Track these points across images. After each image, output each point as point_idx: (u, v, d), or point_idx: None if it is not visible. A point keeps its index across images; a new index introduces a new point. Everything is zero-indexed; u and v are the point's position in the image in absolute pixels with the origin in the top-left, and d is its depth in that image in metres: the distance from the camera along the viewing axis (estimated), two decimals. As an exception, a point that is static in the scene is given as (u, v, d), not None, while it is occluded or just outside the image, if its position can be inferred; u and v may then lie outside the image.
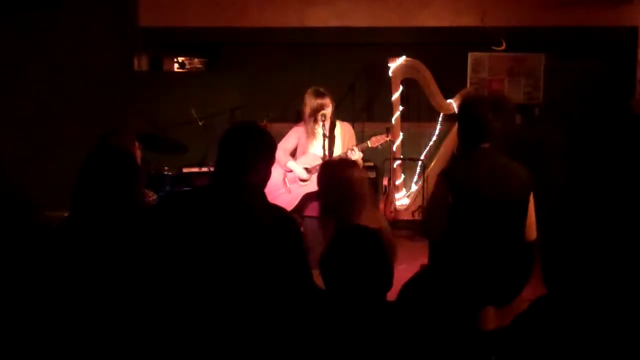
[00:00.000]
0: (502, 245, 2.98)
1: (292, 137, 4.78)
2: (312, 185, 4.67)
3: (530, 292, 3.08)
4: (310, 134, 4.72)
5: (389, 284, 2.25)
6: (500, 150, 3.09)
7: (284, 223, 2.36)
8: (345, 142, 4.76)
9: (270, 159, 2.46)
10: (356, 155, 4.58)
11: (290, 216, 2.43)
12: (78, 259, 2.40)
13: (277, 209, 2.48)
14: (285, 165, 4.70)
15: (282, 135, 4.75)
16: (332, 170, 2.77)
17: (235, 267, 2.24)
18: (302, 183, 4.74)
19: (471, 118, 3.05)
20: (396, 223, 5.82)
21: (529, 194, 3.09)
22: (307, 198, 4.70)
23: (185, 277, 2.26)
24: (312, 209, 4.56)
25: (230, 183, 2.34)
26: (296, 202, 4.68)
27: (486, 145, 3.04)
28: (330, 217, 2.83)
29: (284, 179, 4.74)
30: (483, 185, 2.95)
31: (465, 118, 3.10)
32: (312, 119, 4.62)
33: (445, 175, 3.06)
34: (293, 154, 4.82)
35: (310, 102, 4.60)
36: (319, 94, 4.60)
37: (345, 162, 2.94)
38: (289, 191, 4.72)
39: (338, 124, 4.79)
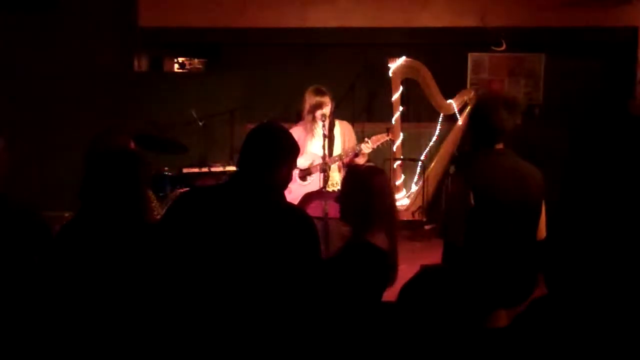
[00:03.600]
0: (518, 246, 2.96)
1: None
2: (312, 185, 4.66)
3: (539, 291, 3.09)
4: (309, 132, 4.70)
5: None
6: (511, 150, 3.08)
7: (304, 223, 2.39)
8: (345, 140, 4.75)
9: (292, 161, 2.49)
10: (368, 149, 4.58)
11: (310, 217, 2.45)
12: (87, 258, 2.40)
13: (297, 209, 2.54)
14: None
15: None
16: (359, 177, 2.73)
17: (255, 264, 2.26)
18: (302, 182, 4.74)
19: (487, 118, 3.02)
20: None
21: (543, 194, 3.08)
22: (308, 198, 4.69)
23: (205, 273, 2.27)
24: (312, 209, 4.54)
25: (253, 182, 2.37)
26: (296, 203, 4.68)
27: (500, 145, 3.02)
28: (347, 223, 2.81)
29: None
30: (504, 187, 2.93)
31: (481, 118, 3.06)
32: (311, 116, 4.61)
33: (466, 176, 3.03)
34: None
35: (310, 99, 4.60)
36: (318, 92, 4.59)
37: (374, 171, 2.89)
38: (290, 191, 4.70)
39: (337, 122, 4.78)
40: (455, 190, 3.11)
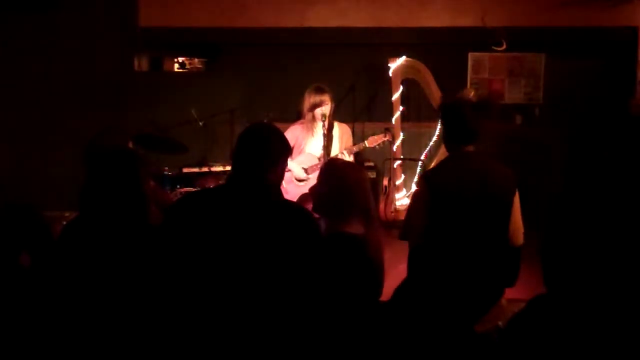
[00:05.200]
0: (482, 249, 2.93)
1: (289, 136, 4.77)
2: (309, 186, 4.67)
3: (518, 293, 3.07)
4: (309, 130, 4.71)
5: (377, 290, 2.30)
6: (489, 152, 3.06)
7: (305, 220, 2.40)
8: (342, 142, 4.76)
9: (286, 158, 2.52)
10: (346, 158, 4.59)
11: (311, 213, 2.45)
12: (89, 258, 2.40)
13: (297, 206, 2.55)
14: None
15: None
16: (335, 170, 2.75)
17: (259, 263, 2.26)
18: (299, 183, 4.74)
19: (452, 120, 3.01)
20: (396, 223, 5.82)
21: (512, 197, 3.02)
22: (304, 198, 4.70)
23: (208, 274, 2.27)
24: (309, 209, 4.56)
25: (252, 181, 2.37)
26: (293, 203, 4.68)
27: (470, 147, 3.00)
28: (321, 215, 2.82)
29: None
30: (462, 188, 2.90)
31: (447, 120, 3.06)
32: (311, 114, 4.62)
33: (425, 177, 3.02)
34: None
35: (310, 97, 4.61)
36: (318, 90, 4.61)
37: (351, 165, 2.91)
38: (286, 191, 4.72)
39: (336, 124, 4.79)
40: (415, 192, 3.11)
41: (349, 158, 4.62)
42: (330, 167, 2.82)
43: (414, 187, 6.29)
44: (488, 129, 3.05)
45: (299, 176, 4.68)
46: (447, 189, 2.91)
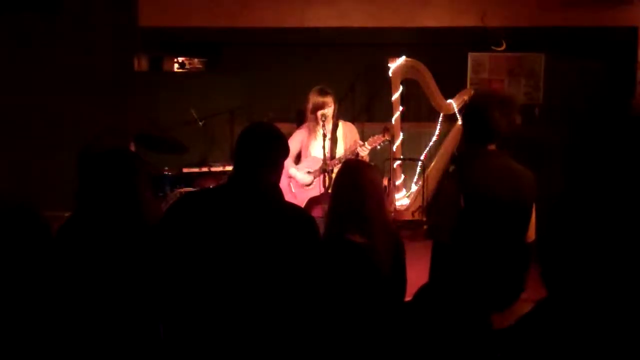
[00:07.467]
0: (507, 248, 2.95)
1: (295, 140, 4.76)
2: (317, 189, 4.67)
3: (529, 292, 3.08)
4: (312, 133, 4.71)
5: (382, 294, 2.31)
6: (504, 151, 3.06)
7: (304, 220, 2.42)
8: (347, 142, 4.75)
9: (285, 158, 2.53)
10: (365, 151, 4.58)
11: (309, 214, 2.46)
12: (85, 259, 2.40)
13: (296, 207, 2.56)
14: (287, 172, 4.66)
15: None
16: (349, 171, 2.74)
17: (257, 263, 2.26)
18: (307, 187, 4.75)
19: (478, 118, 2.99)
20: (396, 223, 5.81)
21: (534, 196, 3.05)
22: (312, 201, 4.72)
23: (206, 275, 2.27)
24: (318, 212, 4.56)
25: (252, 182, 2.37)
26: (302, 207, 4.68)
27: (492, 146, 3.00)
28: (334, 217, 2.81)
29: (289, 184, 4.74)
30: (495, 188, 2.91)
31: (472, 118, 3.04)
32: (314, 116, 4.62)
33: (456, 176, 3.01)
34: (298, 157, 4.82)
35: (313, 99, 4.61)
36: (321, 92, 4.61)
37: (365, 166, 2.88)
38: (295, 196, 4.73)
39: (341, 124, 4.79)
40: (447, 191, 3.09)
41: (367, 151, 4.59)
42: (344, 168, 2.81)
43: (413, 187, 6.30)
44: (511, 127, 3.03)
45: (303, 181, 4.68)
46: (478, 188, 2.91)
